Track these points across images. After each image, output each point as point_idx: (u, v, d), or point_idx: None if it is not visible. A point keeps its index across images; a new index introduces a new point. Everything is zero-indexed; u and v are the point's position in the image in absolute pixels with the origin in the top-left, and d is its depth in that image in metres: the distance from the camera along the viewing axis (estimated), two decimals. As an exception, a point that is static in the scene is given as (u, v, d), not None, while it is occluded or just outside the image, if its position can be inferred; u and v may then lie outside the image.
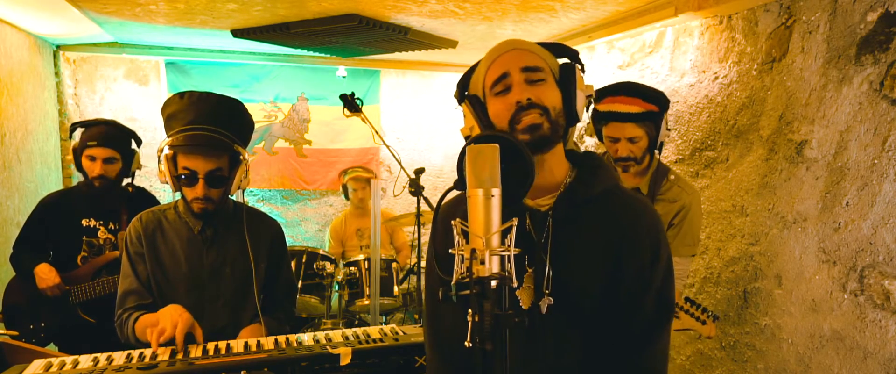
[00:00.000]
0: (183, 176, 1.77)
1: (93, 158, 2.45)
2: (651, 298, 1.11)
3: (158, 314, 1.70)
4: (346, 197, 4.19)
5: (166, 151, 1.75)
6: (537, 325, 1.10)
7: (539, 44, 1.18)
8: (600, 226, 1.12)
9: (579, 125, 2.12)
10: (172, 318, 1.65)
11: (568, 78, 1.13)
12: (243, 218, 1.91)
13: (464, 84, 1.22)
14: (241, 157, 1.82)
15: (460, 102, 1.22)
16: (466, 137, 1.19)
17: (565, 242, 1.11)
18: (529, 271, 1.12)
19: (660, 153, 2.16)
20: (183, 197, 1.86)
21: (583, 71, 1.18)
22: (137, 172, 2.71)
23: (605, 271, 1.10)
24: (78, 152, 2.48)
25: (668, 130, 2.14)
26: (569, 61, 1.16)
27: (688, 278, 2.88)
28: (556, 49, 1.19)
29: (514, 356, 0.88)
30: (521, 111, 1.08)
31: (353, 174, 4.13)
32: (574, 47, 1.21)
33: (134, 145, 2.61)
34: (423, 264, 3.28)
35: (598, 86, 2.19)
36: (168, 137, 1.77)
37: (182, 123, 1.76)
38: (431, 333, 1.28)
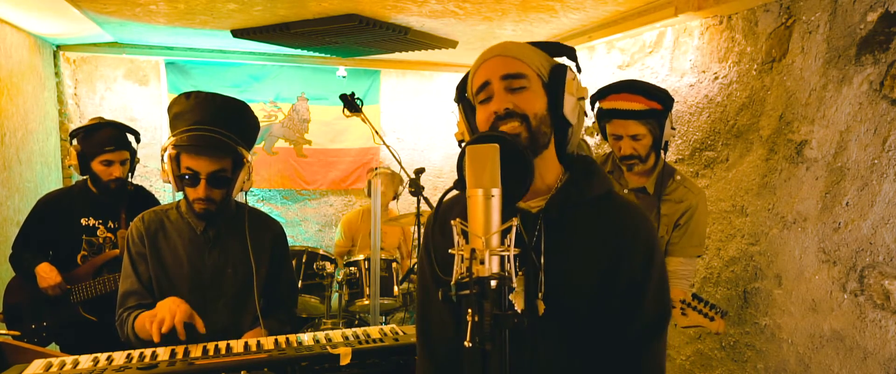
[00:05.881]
0: (186, 176, 1.76)
1: (109, 163, 2.44)
2: (647, 302, 1.09)
3: (156, 307, 1.69)
4: (369, 194, 4.16)
5: (170, 150, 1.75)
6: (531, 328, 1.07)
7: (534, 44, 1.16)
8: (592, 229, 1.10)
9: (587, 123, 2.12)
10: (170, 309, 1.65)
11: (556, 82, 1.10)
12: (245, 219, 1.91)
13: (462, 87, 1.21)
14: (245, 159, 1.82)
15: (458, 103, 1.21)
16: (460, 142, 1.18)
17: (556, 244, 1.10)
18: (520, 273, 1.09)
19: (665, 153, 2.16)
20: (185, 197, 1.86)
21: (579, 71, 1.16)
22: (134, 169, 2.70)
23: (597, 273, 1.09)
24: (89, 157, 2.44)
25: (673, 129, 2.14)
26: (561, 64, 1.13)
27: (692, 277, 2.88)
28: (552, 48, 1.17)
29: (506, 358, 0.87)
30: (499, 121, 1.08)
31: (382, 171, 4.11)
32: (574, 47, 1.20)
33: (133, 142, 2.62)
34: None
35: (598, 86, 2.19)
36: (172, 136, 1.77)
37: (187, 123, 1.75)
38: (421, 331, 1.28)
